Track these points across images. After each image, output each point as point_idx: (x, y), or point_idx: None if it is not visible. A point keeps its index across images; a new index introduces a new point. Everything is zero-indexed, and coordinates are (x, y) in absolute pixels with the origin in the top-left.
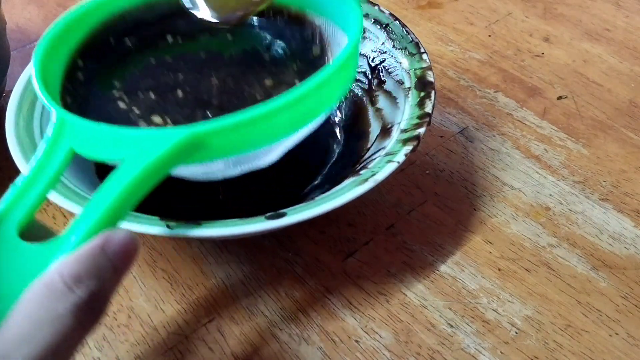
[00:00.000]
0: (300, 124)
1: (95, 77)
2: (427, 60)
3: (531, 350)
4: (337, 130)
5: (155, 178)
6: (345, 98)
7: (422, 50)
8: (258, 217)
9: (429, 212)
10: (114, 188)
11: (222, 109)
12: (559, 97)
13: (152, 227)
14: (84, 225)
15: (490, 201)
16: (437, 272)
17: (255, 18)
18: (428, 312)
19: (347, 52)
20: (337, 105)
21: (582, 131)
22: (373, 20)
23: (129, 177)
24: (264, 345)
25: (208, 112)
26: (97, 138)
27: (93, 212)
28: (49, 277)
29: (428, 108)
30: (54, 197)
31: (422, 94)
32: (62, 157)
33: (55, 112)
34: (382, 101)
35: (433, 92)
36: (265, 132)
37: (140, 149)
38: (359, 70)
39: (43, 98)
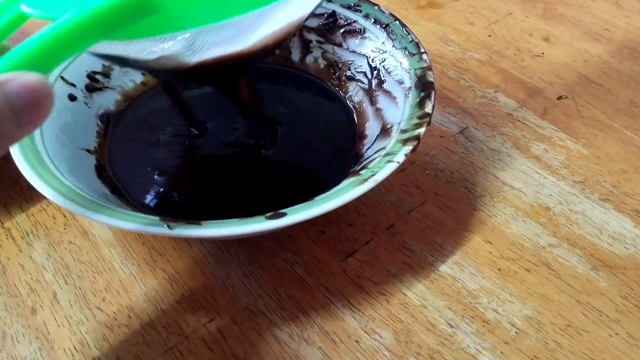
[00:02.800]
0: None
1: None
2: (427, 60)
3: (531, 350)
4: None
5: (93, 34)
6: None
7: (422, 50)
8: (258, 217)
9: (429, 212)
10: (41, 36)
11: None
12: (559, 97)
13: (152, 227)
14: None
15: (490, 201)
16: (437, 272)
17: None
18: (428, 312)
19: None
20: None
21: (582, 131)
22: (373, 20)
23: (61, 26)
24: (264, 346)
25: None
26: None
27: (8, 57)
28: None
29: (428, 108)
30: (54, 197)
31: (422, 94)
32: (12, 15)
33: None
34: (382, 101)
35: (433, 92)
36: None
37: (82, 4)
38: (359, 70)
39: None
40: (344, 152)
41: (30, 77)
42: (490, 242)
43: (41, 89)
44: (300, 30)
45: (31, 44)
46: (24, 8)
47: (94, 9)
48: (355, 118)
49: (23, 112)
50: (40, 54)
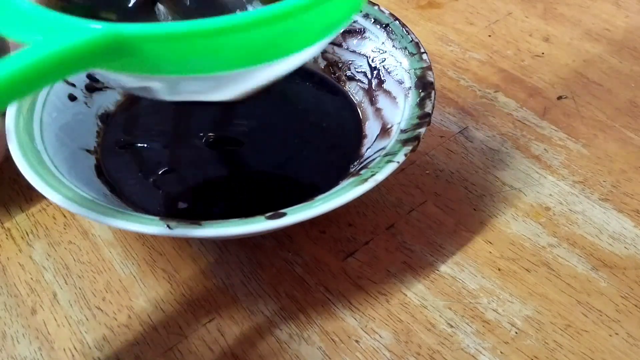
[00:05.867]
0: (260, 57)
1: None
2: (427, 60)
3: (531, 350)
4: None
5: (63, 70)
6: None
7: (422, 50)
8: (258, 217)
9: (429, 212)
10: (7, 65)
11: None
12: (559, 97)
13: (152, 227)
14: None
15: (490, 201)
16: (437, 272)
17: None
18: (428, 312)
19: None
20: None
21: (582, 131)
22: (373, 20)
23: (28, 59)
24: (264, 346)
25: None
26: (12, 12)
27: None
28: None
29: (428, 108)
30: (53, 197)
31: (422, 93)
32: None
33: None
34: (382, 101)
35: (433, 92)
36: (209, 56)
37: (54, 35)
38: (359, 70)
39: None
40: (346, 152)
41: None
42: (490, 242)
43: None
44: None
45: None
46: None
47: (69, 47)
48: (360, 114)
49: None
50: (7, 87)
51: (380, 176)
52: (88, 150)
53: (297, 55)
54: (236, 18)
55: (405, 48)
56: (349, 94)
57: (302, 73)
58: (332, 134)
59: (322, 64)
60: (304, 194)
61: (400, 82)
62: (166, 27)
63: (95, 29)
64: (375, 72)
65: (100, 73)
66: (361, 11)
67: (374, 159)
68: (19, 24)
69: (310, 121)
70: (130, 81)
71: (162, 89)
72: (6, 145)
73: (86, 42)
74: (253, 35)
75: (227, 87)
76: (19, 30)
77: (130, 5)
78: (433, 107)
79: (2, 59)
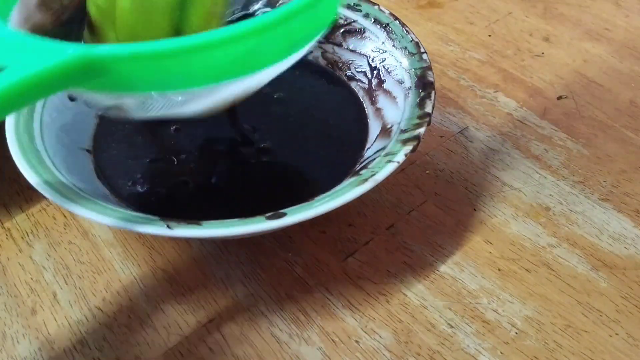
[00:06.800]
0: (227, 74)
1: None
2: (427, 60)
3: (531, 350)
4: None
5: (39, 92)
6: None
7: (422, 50)
8: (258, 217)
9: (429, 212)
10: None
11: None
12: (559, 97)
13: (152, 227)
14: None
15: (490, 201)
16: (437, 272)
17: None
18: (428, 312)
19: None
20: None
21: (582, 131)
22: (373, 20)
23: (6, 82)
24: (264, 346)
25: None
26: None
27: None
28: None
29: (428, 108)
30: (54, 197)
31: (422, 93)
32: None
33: None
34: (382, 101)
35: (433, 92)
36: (177, 73)
37: (29, 59)
38: (359, 70)
39: None
40: (351, 149)
41: None
42: (490, 242)
43: None
44: None
45: None
46: None
47: (45, 70)
48: (366, 110)
49: None
50: None
51: (380, 176)
52: (88, 150)
53: (263, 72)
54: (201, 37)
55: (405, 48)
56: (353, 88)
57: (305, 67)
58: (337, 131)
59: (322, 63)
60: (304, 194)
61: (400, 82)
62: (135, 47)
63: (69, 52)
64: (375, 72)
65: (76, 93)
66: (330, 26)
67: (374, 159)
68: None
69: (315, 117)
70: (103, 100)
71: (134, 106)
72: None
73: (61, 64)
74: (219, 54)
75: (196, 102)
76: None
77: None
78: (433, 107)
79: None
